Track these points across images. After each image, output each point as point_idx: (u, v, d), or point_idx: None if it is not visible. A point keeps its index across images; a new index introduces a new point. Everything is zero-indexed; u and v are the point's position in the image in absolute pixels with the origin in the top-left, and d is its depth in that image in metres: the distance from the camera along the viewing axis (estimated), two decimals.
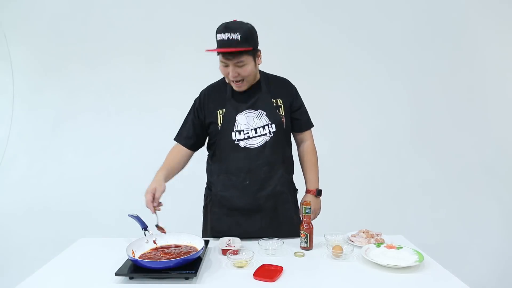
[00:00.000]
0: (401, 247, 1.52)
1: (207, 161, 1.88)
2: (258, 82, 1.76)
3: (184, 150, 1.80)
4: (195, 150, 1.83)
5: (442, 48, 3.05)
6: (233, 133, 1.69)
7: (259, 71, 1.79)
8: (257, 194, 1.72)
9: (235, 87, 1.69)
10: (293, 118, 1.81)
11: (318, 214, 1.89)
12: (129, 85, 3.05)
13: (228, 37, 1.54)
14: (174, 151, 1.81)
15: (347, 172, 3.04)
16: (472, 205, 3.04)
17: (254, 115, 1.71)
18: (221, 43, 1.57)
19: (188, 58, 2.98)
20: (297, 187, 1.91)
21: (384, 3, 3.03)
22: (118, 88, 3.05)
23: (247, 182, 1.71)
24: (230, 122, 1.69)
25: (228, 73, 1.62)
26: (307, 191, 1.87)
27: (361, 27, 3.04)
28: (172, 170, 1.73)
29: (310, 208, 1.58)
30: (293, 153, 1.88)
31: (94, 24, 3.02)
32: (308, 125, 1.88)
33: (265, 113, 1.71)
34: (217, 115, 1.72)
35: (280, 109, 1.75)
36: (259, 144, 1.70)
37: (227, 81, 1.73)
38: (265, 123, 1.70)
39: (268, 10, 2.99)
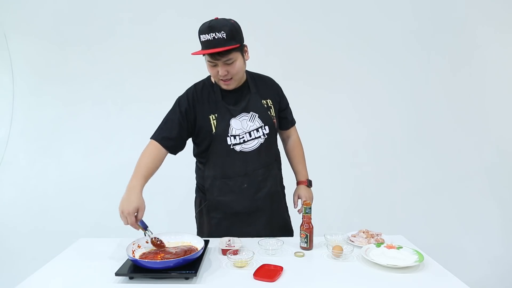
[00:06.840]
0: (401, 247, 1.52)
1: (197, 166, 1.83)
2: (246, 82, 1.74)
3: (162, 151, 1.64)
4: (173, 153, 1.68)
5: (442, 48, 3.05)
6: (228, 138, 1.66)
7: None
8: (255, 196, 1.72)
9: (223, 85, 1.64)
10: (281, 117, 1.84)
11: (311, 203, 1.81)
12: (129, 85, 3.05)
13: (214, 37, 1.49)
14: (151, 152, 1.63)
15: (348, 172, 3.04)
16: (472, 205, 3.04)
17: (247, 118, 1.68)
18: (207, 44, 1.51)
19: (189, 57, 2.97)
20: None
21: (384, 3, 3.03)
22: (118, 88, 3.05)
23: (245, 185, 1.70)
24: (224, 127, 1.65)
25: (217, 72, 1.57)
26: (298, 183, 1.91)
27: (361, 27, 3.04)
28: (149, 176, 1.58)
29: (310, 208, 1.58)
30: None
31: (94, 23, 3.02)
32: (293, 122, 1.94)
33: (257, 115, 1.69)
34: (210, 120, 1.66)
35: (271, 110, 1.75)
36: (254, 147, 1.69)
37: (214, 81, 1.68)
38: (259, 126, 1.69)
39: (268, 10, 2.99)
